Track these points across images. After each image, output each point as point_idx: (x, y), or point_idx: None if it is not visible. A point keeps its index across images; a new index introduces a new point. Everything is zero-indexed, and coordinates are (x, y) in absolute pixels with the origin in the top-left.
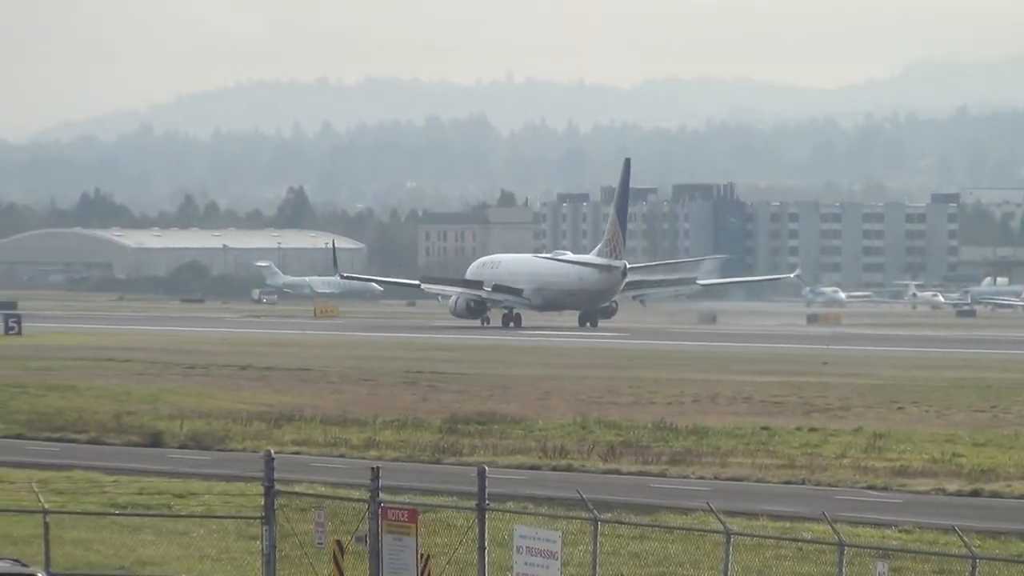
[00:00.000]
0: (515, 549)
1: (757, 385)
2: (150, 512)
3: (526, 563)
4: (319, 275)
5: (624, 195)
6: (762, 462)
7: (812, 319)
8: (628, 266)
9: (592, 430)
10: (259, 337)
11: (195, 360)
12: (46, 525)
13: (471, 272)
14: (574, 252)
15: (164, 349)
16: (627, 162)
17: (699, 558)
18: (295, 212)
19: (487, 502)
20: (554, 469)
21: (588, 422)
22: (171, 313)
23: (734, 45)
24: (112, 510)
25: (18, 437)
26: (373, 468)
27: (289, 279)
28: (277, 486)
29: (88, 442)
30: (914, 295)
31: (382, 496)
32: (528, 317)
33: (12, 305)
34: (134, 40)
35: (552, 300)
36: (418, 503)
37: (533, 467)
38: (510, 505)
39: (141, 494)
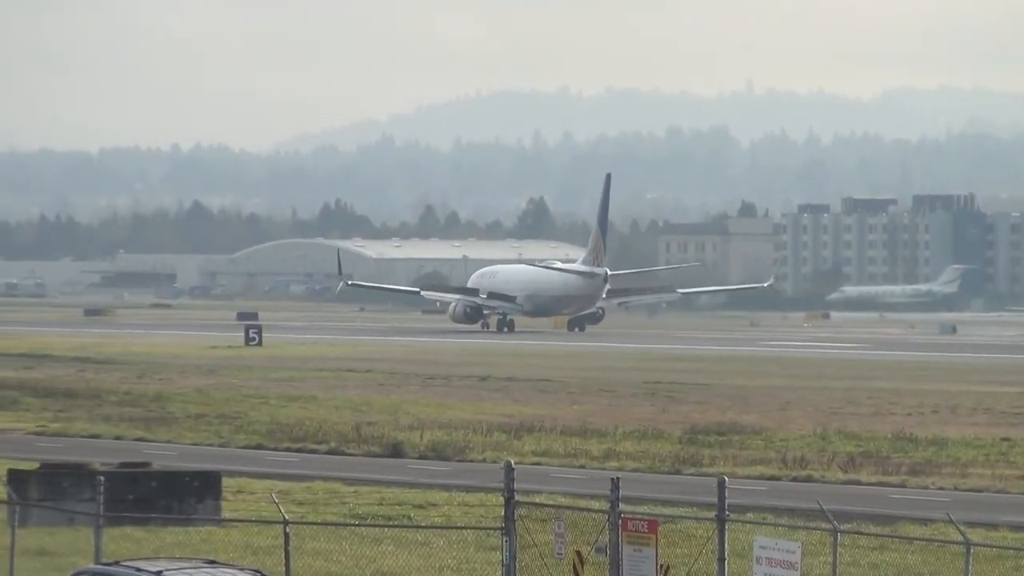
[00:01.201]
0: (755, 560)
1: (997, 396)
2: (390, 523)
3: (766, 574)
4: None
5: (605, 207)
6: (1002, 473)
7: None
8: (609, 273)
9: (832, 441)
10: (499, 347)
11: (435, 371)
12: (286, 536)
13: (472, 281)
14: (814, 264)
15: (404, 360)
16: (608, 177)
17: (938, 569)
18: (535, 222)
19: (727, 513)
20: (794, 480)
21: (828, 433)
22: (411, 324)
23: (973, 55)
24: (352, 520)
25: (258, 447)
26: (613, 479)
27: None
28: (517, 496)
29: (328, 452)
30: None
31: (622, 507)
32: (521, 323)
33: (253, 316)
34: (374, 51)
35: (542, 306)
36: (658, 514)
37: (773, 478)
38: (750, 516)
39: (381, 504)
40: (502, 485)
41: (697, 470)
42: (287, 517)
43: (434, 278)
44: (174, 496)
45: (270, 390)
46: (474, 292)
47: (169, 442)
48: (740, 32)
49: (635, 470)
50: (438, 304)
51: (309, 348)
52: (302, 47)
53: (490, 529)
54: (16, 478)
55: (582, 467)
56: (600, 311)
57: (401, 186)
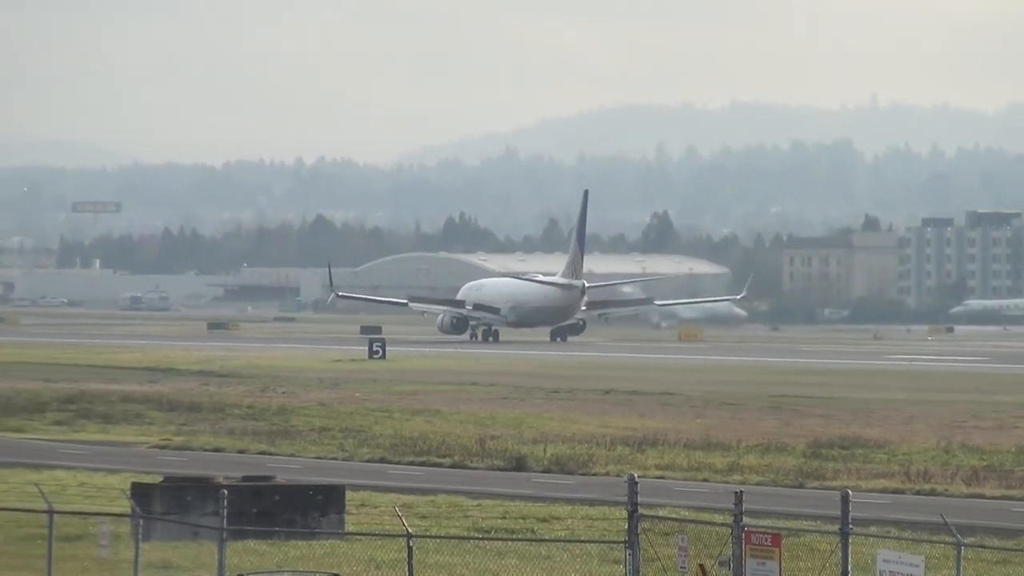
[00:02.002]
0: (878, 573)
1: None
2: (514, 536)
3: None
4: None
5: (583, 222)
6: None
7: None
8: (587, 285)
9: (955, 454)
10: (623, 361)
11: (559, 384)
12: (410, 549)
13: (460, 293)
14: (938, 278)
15: (528, 373)
16: (585, 194)
17: None
18: (659, 236)
19: (850, 526)
20: (917, 493)
21: (951, 446)
22: (535, 338)
23: None
24: (476, 534)
25: (382, 461)
26: (736, 492)
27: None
28: (640, 510)
29: (452, 466)
30: None
31: (745, 520)
32: (505, 334)
33: (377, 329)
34: (499, 65)
35: (525, 317)
36: (781, 527)
37: (896, 491)
38: (873, 529)
39: (505, 518)
40: (625, 499)
41: (820, 484)
42: (410, 530)
43: None
44: (298, 510)
45: (394, 404)
46: (460, 304)
47: (293, 456)
48: (863, 43)
49: (758, 484)
50: (424, 315)
51: (432, 361)
52: (426, 60)
53: (613, 543)
54: (140, 492)
55: (705, 480)
56: (581, 322)
57: (525, 199)
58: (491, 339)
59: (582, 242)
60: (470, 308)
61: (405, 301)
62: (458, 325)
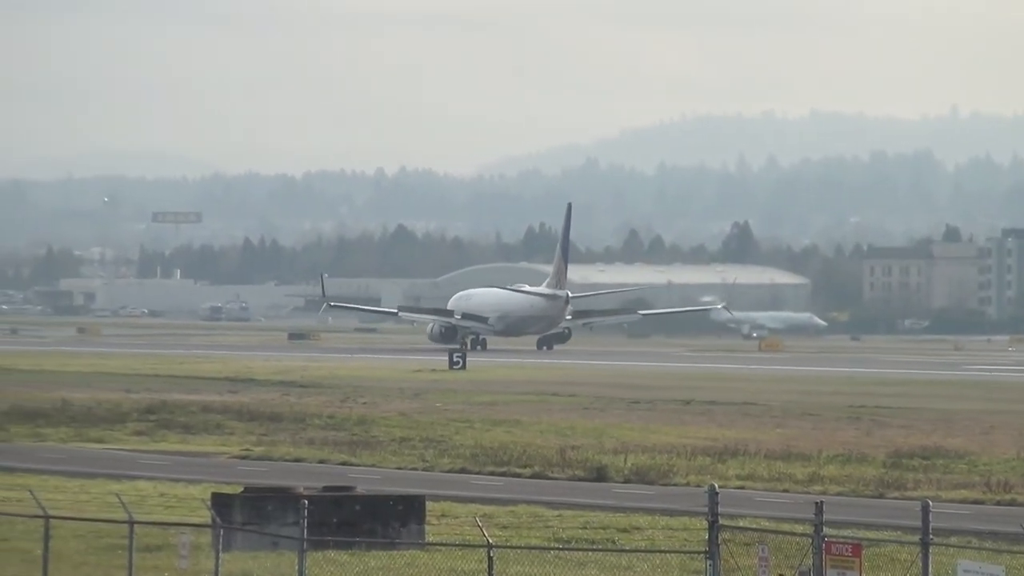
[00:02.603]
0: None
1: None
2: (594, 547)
3: None
4: (764, 310)
5: (567, 235)
6: None
7: None
8: (571, 295)
9: None
10: (703, 372)
11: (639, 395)
12: (490, 560)
13: (451, 303)
14: (1018, 288)
15: (608, 384)
16: (569, 207)
17: None
18: (740, 247)
19: (931, 536)
20: (998, 504)
21: None
22: (614, 348)
23: None
24: (556, 544)
25: (462, 471)
26: (817, 503)
27: (733, 314)
28: (721, 520)
29: (532, 476)
30: None
31: (826, 531)
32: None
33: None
34: (579, 75)
35: (512, 326)
36: (861, 537)
37: (976, 502)
38: (953, 540)
39: (585, 528)
40: (706, 509)
41: (901, 494)
42: (491, 541)
43: (638, 303)
44: (378, 520)
45: (474, 414)
46: (448, 313)
47: (373, 466)
48: (944, 54)
49: (839, 494)
50: (414, 324)
51: (513, 371)
52: (507, 71)
53: (694, 553)
54: (221, 502)
55: (786, 491)
56: (567, 330)
57: (605, 210)
58: (479, 347)
59: (566, 253)
60: (459, 318)
61: (395, 310)
62: (447, 334)
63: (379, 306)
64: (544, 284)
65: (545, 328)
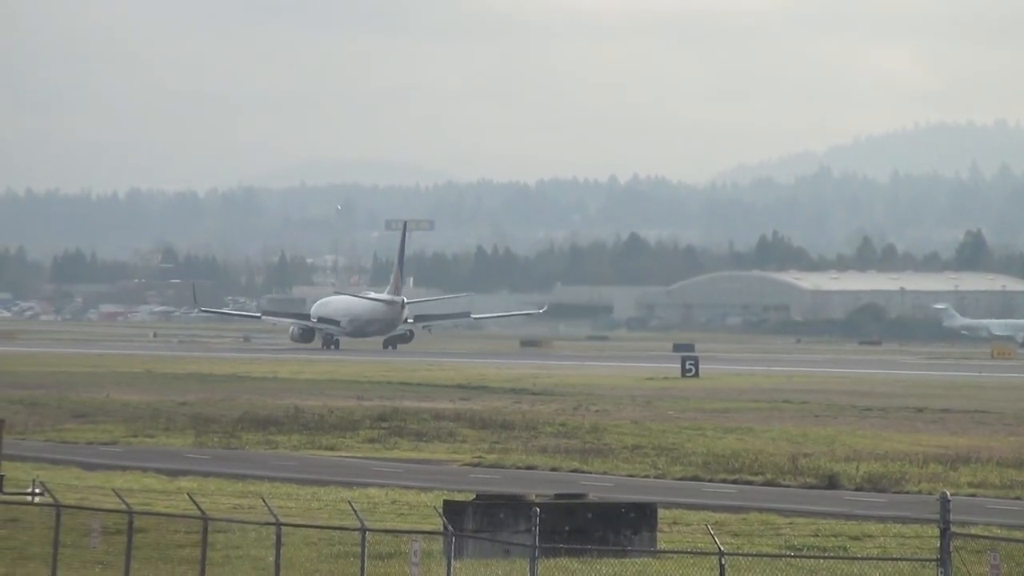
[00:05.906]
0: None
1: None
2: (826, 554)
3: None
4: (997, 318)
5: (403, 248)
6: None
7: None
8: (406, 301)
9: None
10: (935, 379)
11: (871, 402)
12: (722, 567)
13: (312, 309)
14: None
15: (839, 391)
16: (404, 225)
17: None
18: (973, 255)
19: None
20: None
21: None
22: (847, 356)
23: None
24: (788, 552)
25: (694, 479)
26: None
27: (966, 322)
28: (953, 528)
29: (764, 484)
30: None
31: None
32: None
33: (690, 347)
34: (812, 84)
35: (359, 328)
36: None
37: None
38: None
39: (816, 536)
40: (938, 516)
41: None
42: (722, 548)
43: (870, 311)
44: (610, 527)
45: (706, 421)
46: (306, 316)
47: (605, 473)
48: None
49: None
50: (275, 326)
51: (745, 379)
52: (740, 79)
53: (925, 560)
54: (452, 509)
55: (1018, 499)
56: (409, 332)
57: (838, 218)
58: (333, 347)
59: (402, 264)
60: (315, 321)
61: (259, 315)
62: (305, 335)
63: (611, 313)
64: (385, 291)
65: (386, 329)
